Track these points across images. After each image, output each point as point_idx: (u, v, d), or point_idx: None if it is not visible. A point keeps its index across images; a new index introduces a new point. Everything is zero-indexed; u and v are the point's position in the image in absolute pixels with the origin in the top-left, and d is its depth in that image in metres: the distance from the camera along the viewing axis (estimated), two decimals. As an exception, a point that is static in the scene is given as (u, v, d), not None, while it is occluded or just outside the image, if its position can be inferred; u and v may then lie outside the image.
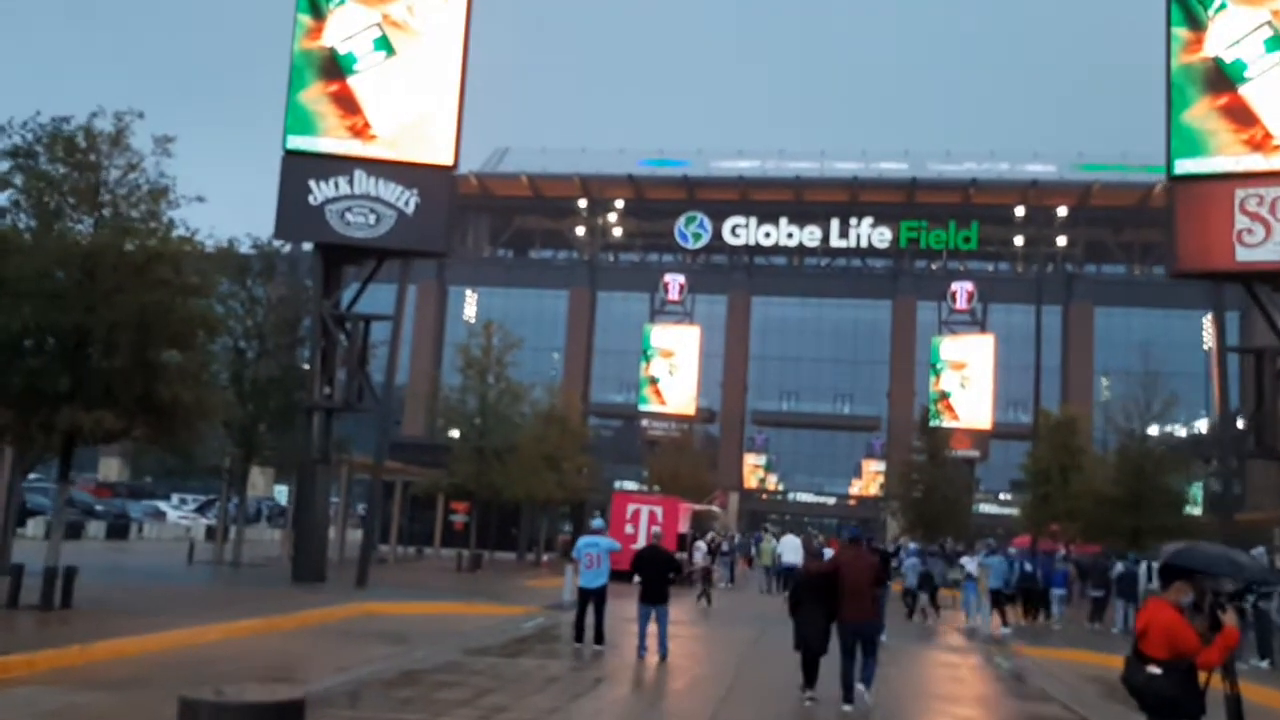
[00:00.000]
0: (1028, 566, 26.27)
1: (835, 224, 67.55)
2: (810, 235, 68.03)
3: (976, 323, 61.97)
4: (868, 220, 67.46)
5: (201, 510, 46.86)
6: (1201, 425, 32.89)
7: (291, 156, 22.93)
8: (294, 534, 24.36)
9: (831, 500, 72.19)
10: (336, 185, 22.71)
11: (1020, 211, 52.09)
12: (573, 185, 69.55)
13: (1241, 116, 20.87)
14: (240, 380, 26.30)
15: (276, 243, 26.82)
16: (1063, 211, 54.57)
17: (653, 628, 14.82)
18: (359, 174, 22.74)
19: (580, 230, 63.91)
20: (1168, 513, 28.12)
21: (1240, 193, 20.65)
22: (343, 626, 16.28)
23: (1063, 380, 63.06)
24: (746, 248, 69.14)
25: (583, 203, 59.80)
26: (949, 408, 58.58)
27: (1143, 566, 23.87)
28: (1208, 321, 62.42)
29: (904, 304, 67.87)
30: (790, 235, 68.18)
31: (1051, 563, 28.03)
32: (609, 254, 73.47)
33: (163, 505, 46.96)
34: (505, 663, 13.66)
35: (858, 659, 11.56)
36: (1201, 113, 21.22)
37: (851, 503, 71.56)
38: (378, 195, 22.70)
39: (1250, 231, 20.50)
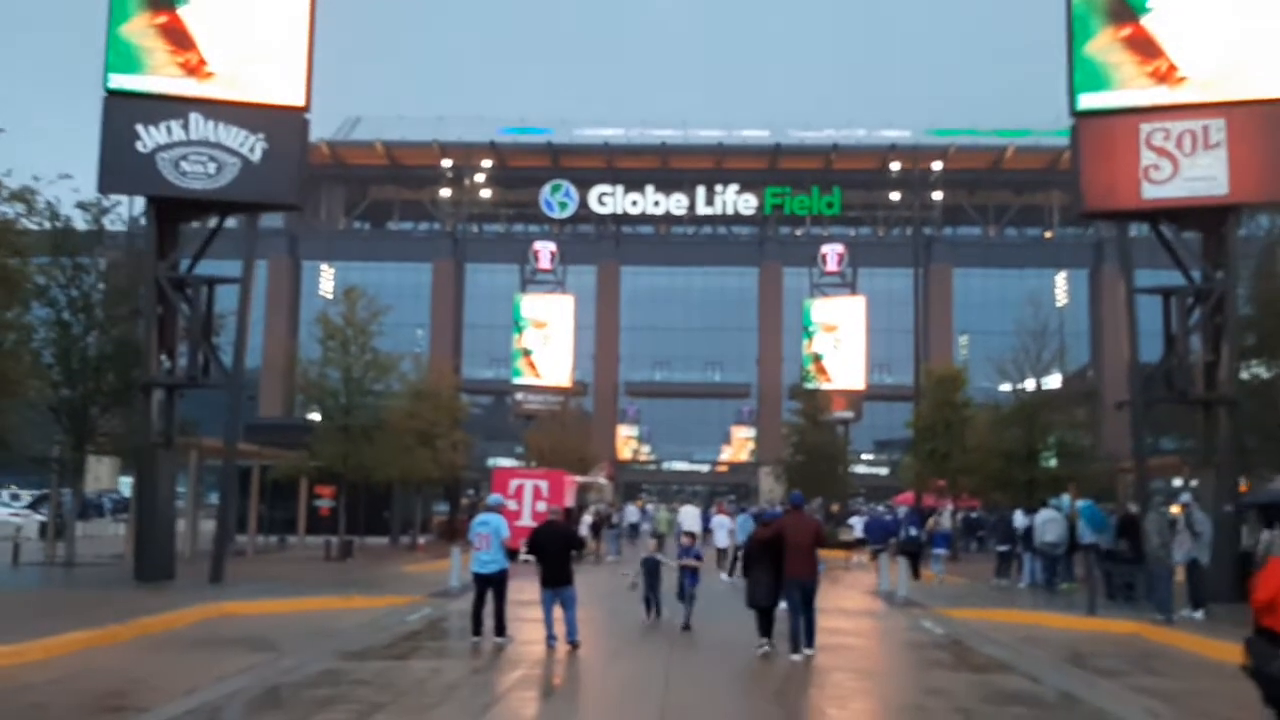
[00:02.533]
0: (913, 530, 26.03)
1: (701, 191, 67.10)
2: (677, 203, 67.29)
3: (847, 285, 61.92)
4: (733, 187, 67.23)
5: (35, 506, 42.77)
6: (1055, 381, 32.90)
7: (115, 98, 20.02)
8: (136, 527, 21.55)
9: (704, 468, 72.04)
10: (169, 130, 19.92)
11: (896, 166, 52.09)
12: (431, 153, 66.62)
13: (1145, 48, 20.08)
14: (67, 357, 23.23)
15: (106, 201, 23.67)
16: (938, 166, 54.73)
17: (559, 613, 13.07)
18: (195, 117, 20.00)
19: (444, 193, 61.20)
20: (1062, 463, 27.78)
21: (1146, 127, 19.87)
22: (194, 633, 13.88)
23: (917, 340, 63.94)
24: (614, 216, 67.86)
25: (447, 163, 57.11)
26: (822, 370, 58.21)
27: (1038, 515, 22.77)
28: (1060, 279, 64.11)
29: (770, 270, 67.77)
30: (657, 204, 67.32)
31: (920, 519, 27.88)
32: (473, 225, 70.88)
33: (-12, 503, 42.82)
34: (393, 668, 11.57)
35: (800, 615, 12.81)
36: (1104, 44, 20.37)
37: (722, 469, 71.41)
38: (218, 141, 20.01)
39: (1157, 168, 19.75)
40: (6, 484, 50.90)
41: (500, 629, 13.26)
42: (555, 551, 13.26)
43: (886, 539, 26.27)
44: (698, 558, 15.66)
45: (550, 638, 12.90)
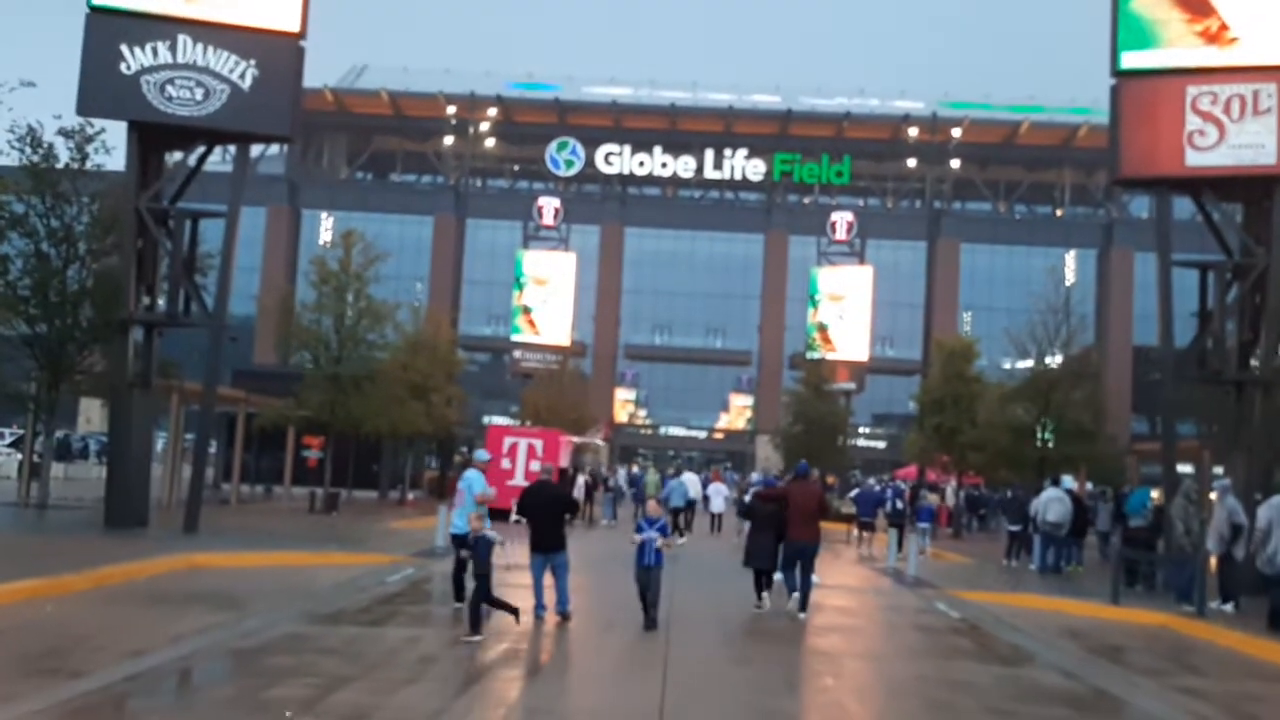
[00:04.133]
0: (899, 504, 26.33)
1: (710, 154, 65.74)
2: (685, 165, 65.94)
3: (855, 254, 60.82)
4: (742, 152, 65.89)
5: (17, 445, 41.72)
6: (1057, 360, 32.06)
7: (99, 15, 18.81)
8: (107, 471, 20.56)
9: (701, 434, 71.30)
10: (155, 52, 18.71)
11: (914, 133, 50.71)
12: (437, 104, 65.22)
13: (1195, 5, 18.81)
14: (45, 290, 22.13)
15: (90, 128, 22.40)
16: (958, 133, 53.40)
17: (549, 580, 12.05)
18: (183, 39, 18.78)
19: (448, 140, 59.68)
20: (1075, 442, 26.80)
21: (1192, 90, 18.67)
22: (156, 586, 12.85)
23: (927, 314, 63.26)
24: (620, 177, 66.48)
25: (451, 110, 55.56)
26: (827, 339, 57.47)
27: (1042, 494, 22.08)
28: (1070, 258, 63.10)
29: (776, 238, 66.63)
30: (664, 165, 65.97)
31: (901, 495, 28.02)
32: (476, 180, 69.54)
33: (-33, 440, 41.73)
34: (365, 634, 10.57)
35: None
36: (1152, 0, 19.16)
37: (719, 436, 70.70)
38: (206, 65, 18.80)
39: (1202, 133, 18.56)
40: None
41: (459, 594, 12.19)
42: (547, 514, 12.19)
43: (875, 512, 26.50)
44: (663, 531, 12.31)
45: (539, 607, 11.87)
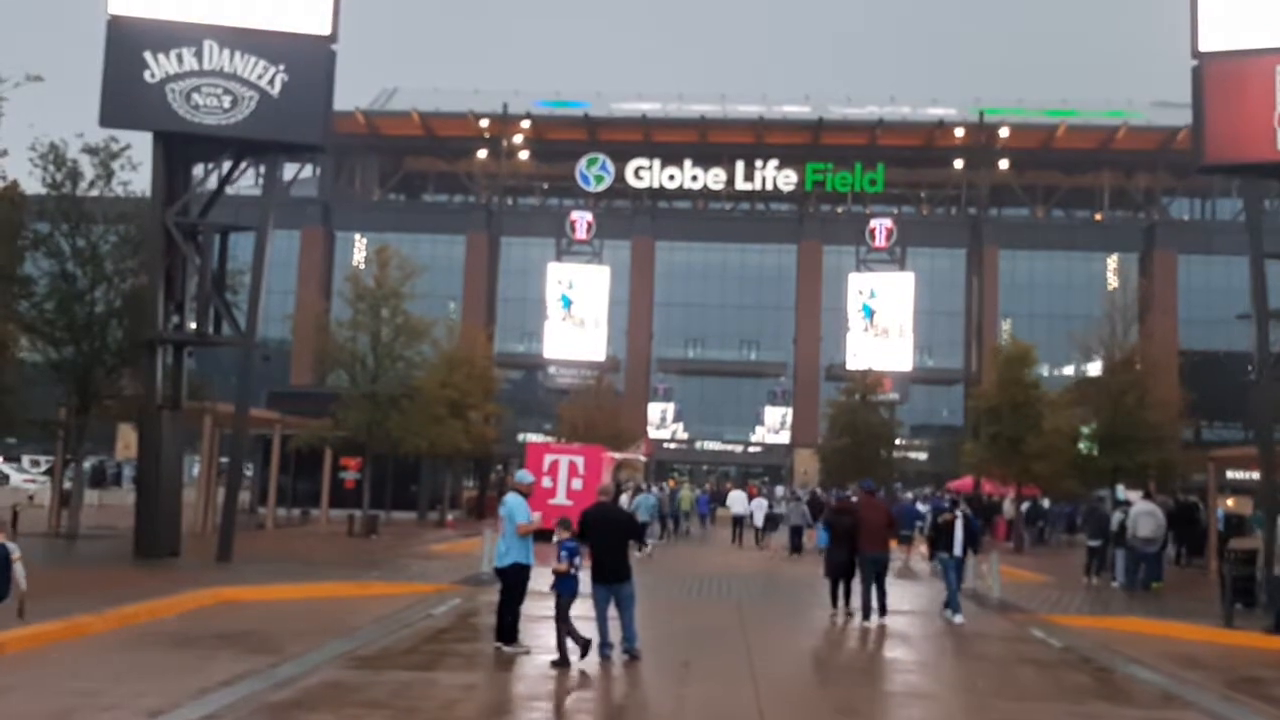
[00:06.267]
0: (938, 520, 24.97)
1: (740, 166, 64.80)
2: (715, 178, 64.99)
3: (894, 261, 59.57)
4: (773, 162, 64.89)
5: (52, 473, 41.15)
6: (1095, 368, 30.68)
7: (120, 21, 17.98)
8: (136, 498, 19.60)
9: (738, 448, 69.96)
10: (180, 59, 17.83)
11: (960, 133, 49.35)
12: (468, 124, 64.64)
13: (1284, -22, 17.55)
14: (71, 312, 21.33)
15: (116, 144, 21.59)
16: (1005, 133, 52.00)
17: (613, 612, 10.82)
18: (209, 45, 17.89)
19: (481, 154, 59.21)
20: (1150, 449, 25.32)
21: (1283, 69, 17.39)
22: (184, 625, 11.78)
23: (969, 322, 61.76)
24: (650, 191, 65.63)
25: (483, 125, 54.98)
26: (870, 349, 56.25)
27: (1132, 508, 20.88)
28: (1112, 262, 61.45)
29: (809, 248, 65.50)
30: (695, 178, 65.04)
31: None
32: (507, 198, 68.90)
33: (5, 468, 41.31)
34: (416, 681, 9.36)
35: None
36: (1235, -25, 17.87)
37: (755, 449, 69.41)
38: (234, 72, 17.90)
39: (1294, 115, 17.27)
40: (20, 453, 49.25)
41: (505, 633, 10.97)
42: (610, 540, 10.95)
43: (914, 526, 26.38)
44: (570, 554, 10.77)
45: (604, 645, 10.67)
